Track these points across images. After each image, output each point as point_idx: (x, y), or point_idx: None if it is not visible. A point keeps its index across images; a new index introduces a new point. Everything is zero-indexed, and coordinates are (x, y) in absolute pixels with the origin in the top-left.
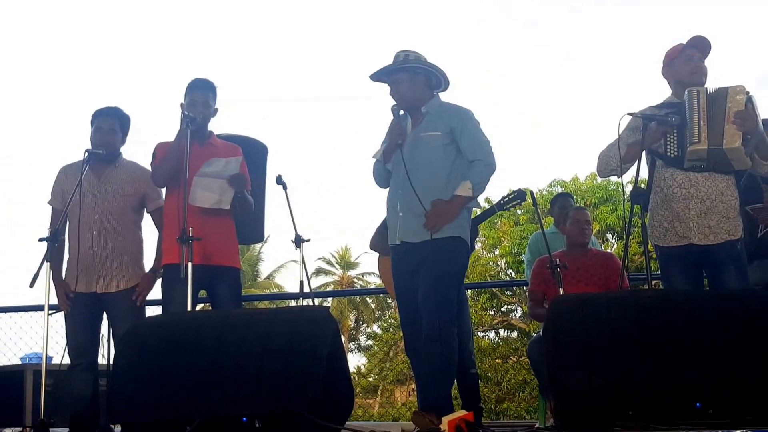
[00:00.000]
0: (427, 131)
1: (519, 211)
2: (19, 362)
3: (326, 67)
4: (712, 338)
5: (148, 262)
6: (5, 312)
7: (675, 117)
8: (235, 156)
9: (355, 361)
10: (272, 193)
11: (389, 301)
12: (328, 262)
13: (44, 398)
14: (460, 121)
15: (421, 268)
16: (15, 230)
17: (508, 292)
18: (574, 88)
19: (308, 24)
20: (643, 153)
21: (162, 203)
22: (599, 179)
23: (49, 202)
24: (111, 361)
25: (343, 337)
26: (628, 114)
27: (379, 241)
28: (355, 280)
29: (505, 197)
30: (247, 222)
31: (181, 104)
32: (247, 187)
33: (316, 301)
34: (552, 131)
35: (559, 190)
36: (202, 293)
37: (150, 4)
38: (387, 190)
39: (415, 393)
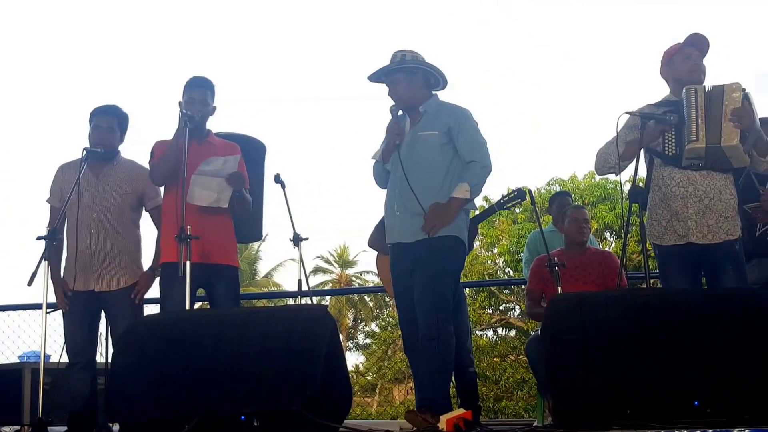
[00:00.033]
0: (424, 130)
1: (517, 210)
2: (18, 361)
3: (326, 67)
4: (710, 337)
5: (147, 260)
6: (3, 310)
7: (673, 116)
8: (233, 154)
9: (354, 359)
10: (270, 191)
11: (387, 299)
12: (327, 261)
13: (42, 397)
14: (458, 120)
15: (418, 268)
16: (13, 229)
17: (506, 291)
18: (574, 88)
19: (308, 24)
20: (642, 151)
21: (160, 201)
22: (597, 178)
23: (47, 201)
24: (109, 360)
25: (341, 336)
26: (627, 113)
27: (377, 239)
28: (354, 278)
29: (505, 197)
30: (245, 220)
31: (179, 102)
32: (245, 185)
33: (315, 300)
34: (551, 131)
35: (558, 189)
36: (201, 292)
37: (149, 4)
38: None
39: (414, 391)
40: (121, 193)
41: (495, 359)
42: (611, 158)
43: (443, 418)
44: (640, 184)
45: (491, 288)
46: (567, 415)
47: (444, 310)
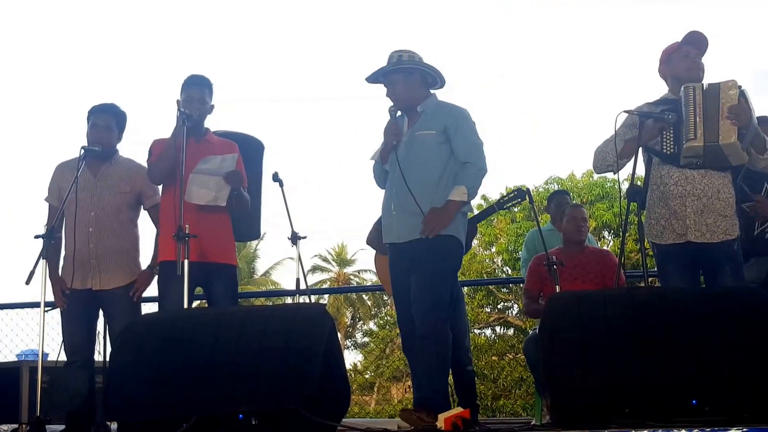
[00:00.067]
0: (422, 130)
1: (516, 209)
2: (16, 359)
3: (327, 67)
4: (708, 336)
5: (145, 259)
6: (1, 309)
7: (671, 114)
8: (231, 153)
9: (352, 358)
10: (269, 190)
11: (385, 298)
12: (325, 259)
13: (40, 395)
14: (455, 120)
15: (415, 267)
16: (13, 228)
17: (504, 290)
18: (574, 88)
19: (308, 24)
20: (640, 150)
21: (159, 200)
22: (596, 176)
23: (46, 199)
24: (107, 358)
25: (339, 334)
26: (625, 111)
27: (375, 238)
28: (352, 277)
29: (505, 197)
30: (243, 219)
31: (177, 101)
32: (243, 184)
33: (313, 298)
34: (551, 130)
35: (556, 188)
36: (199, 290)
37: (149, 3)
38: None
39: (412, 390)
40: (119, 191)
41: (493, 358)
42: (609, 157)
43: (441, 416)
44: (639, 183)
45: (489, 286)
46: (565, 414)
47: (441, 309)
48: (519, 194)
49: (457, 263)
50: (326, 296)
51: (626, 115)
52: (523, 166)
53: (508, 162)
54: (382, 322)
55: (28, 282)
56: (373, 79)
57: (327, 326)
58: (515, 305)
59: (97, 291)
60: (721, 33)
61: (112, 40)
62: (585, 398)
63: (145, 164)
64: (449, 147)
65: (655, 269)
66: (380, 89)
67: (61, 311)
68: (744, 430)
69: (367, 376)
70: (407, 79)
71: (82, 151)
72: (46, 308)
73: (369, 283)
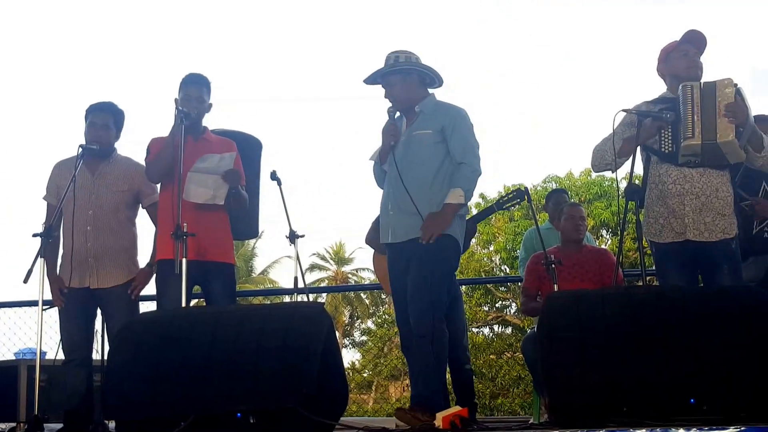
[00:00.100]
0: (419, 130)
1: (514, 208)
2: (13, 358)
3: (327, 67)
4: (706, 335)
5: (143, 257)
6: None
7: (670, 113)
8: (229, 151)
9: (350, 356)
10: (267, 188)
11: (383, 296)
12: (323, 258)
13: (38, 394)
14: (453, 119)
15: (411, 266)
16: (13, 228)
17: (502, 288)
18: (574, 88)
19: (309, 24)
20: (638, 149)
21: (157, 198)
22: (594, 175)
23: (44, 198)
24: (105, 357)
25: (337, 333)
26: (623, 110)
27: (374, 237)
28: (350, 275)
29: (505, 197)
30: (241, 218)
31: (175, 99)
32: (241, 182)
33: (311, 297)
34: (549, 129)
35: (554, 186)
36: (196, 289)
37: (148, 2)
38: None
39: (410, 389)
40: (117, 190)
41: (491, 356)
42: (608, 155)
43: (439, 415)
44: (637, 182)
45: (487, 285)
46: (563, 413)
47: (437, 308)
48: (519, 194)
49: (454, 263)
50: (324, 295)
51: (624, 114)
52: (521, 165)
53: (507, 161)
54: (380, 320)
55: (26, 280)
56: (371, 80)
57: (325, 325)
58: (513, 304)
59: (95, 289)
60: (720, 33)
61: (111, 39)
62: (583, 397)
63: (143, 163)
64: (445, 147)
65: (654, 268)
66: (379, 90)
67: (59, 310)
68: (742, 429)
69: (365, 375)
70: (405, 80)
71: (80, 149)
72: (44, 307)
73: (367, 282)
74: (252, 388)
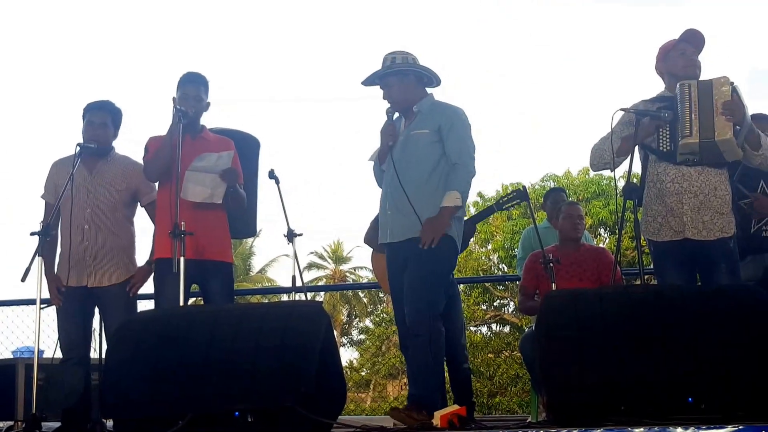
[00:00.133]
0: (416, 129)
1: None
2: (11, 356)
3: (327, 67)
4: (704, 334)
5: (141, 256)
6: None
7: (668, 112)
8: (227, 150)
9: (348, 355)
10: (265, 187)
11: (381, 295)
12: (321, 257)
13: (36, 392)
14: (449, 119)
15: (408, 266)
16: (12, 228)
17: (500, 287)
18: (572, 88)
19: (309, 24)
20: (637, 148)
21: (156, 197)
22: (592, 174)
23: (42, 197)
24: (103, 356)
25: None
26: (621, 109)
27: (373, 237)
28: (348, 274)
29: (504, 197)
30: (239, 216)
31: (173, 98)
32: (239, 181)
33: (309, 296)
34: (548, 128)
35: (552, 185)
36: (194, 287)
37: (147, 2)
38: None
39: (407, 388)
40: (115, 189)
41: (489, 355)
42: (606, 154)
43: (437, 414)
44: (635, 180)
45: (485, 284)
46: (562, 412)
47: (434, 308)
48: (519, 195)
49: (451, 263)
50: (322, 293)
51: (623, 113)
52: (519, 164)
53: (505, 160)
54: (378, 319)
55: (23, 279)
56: (369, 82)
57: (323, 324)
58: (511, 303)
59: (92, 288)
60: (719, 33)
61: (110, 38)
62: (581, 396)
63: (141, 162)
64: (442, 146)
65: (652, 267)
66: (379, 90)
67: (56, 308)
68: (740, 427)
69: (363, 374)
70: (402, 81)
71: (78, 148)
72: (42, 305)
73: (365, 281)
74: (250, 387)
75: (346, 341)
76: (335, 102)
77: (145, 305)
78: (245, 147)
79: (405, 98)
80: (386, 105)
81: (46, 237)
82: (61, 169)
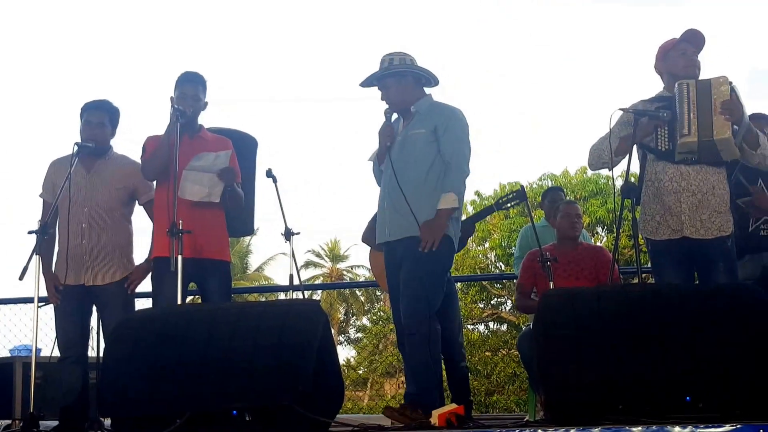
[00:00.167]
0: (414, 129)
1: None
2: (9, 355)
3: (328, 67)
4: (702, 332)
5: (138, 255)
6: None
7: (666, 112)
8: (225, 149)
9: (345, 353)
10: (262, 186)
11: (379, 293)
12: (318, 255)
13: (34, 391)
14: (446, 119)
15: (404, 264)
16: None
17: (497, 285)
18: (572, 87)
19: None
20: (635, 147)
21: (153, 195)
22: (589, 173)
23: (40, 195)
24: (101, 354)
25: (332, 330)
26: (620, 109)
27: (370, 235)
28: (345, 272)
29: (504, 197)
30: (237, 215)
31: (171, 98)
32: (237, 180)
33: (306, 294)
34: (547, 127)
35: (550, 184)
36: (192, 286)
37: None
38: None
39: (405, 386)
40: (113, 188)
41: (486, 353)
42: (605, 154)
43: (435, 413)
44: (632, 179)
45: (483, 282)
46: (559, 410)
47: (429, 306)
48: (518, 195)
49: (448, 262)
50: (319, 292)
51: (621, 112)
52: (517, 163)
53: (503, 159)
54: (375, 317)
55: (21, 277)
56: (367, 83)
57: (321, 322)
58: (509, 301)
59: (90, 287)
60: (719, 32)
61: (108, 37)
62: (579, 395)
63: (139, 161)
64: (438, 146)
65: (649, 265)
66: (378, 91)
67: (54, 307)
68: (737, 426)
69: (360, 372)
70: (399, 82)
71: (76, 147)
72: (40, 304)
73: (362, 279)
74: (248, 386)
75: (343, 339)
76: (335, 102)
77: (142, 304)
78: (243, 146)
79: (403, 99)
80: (385, 106)
81: (43, 236)
82: (59, 168)
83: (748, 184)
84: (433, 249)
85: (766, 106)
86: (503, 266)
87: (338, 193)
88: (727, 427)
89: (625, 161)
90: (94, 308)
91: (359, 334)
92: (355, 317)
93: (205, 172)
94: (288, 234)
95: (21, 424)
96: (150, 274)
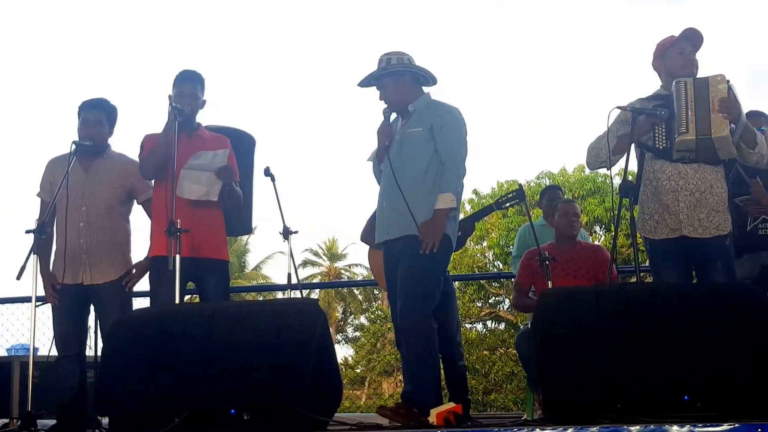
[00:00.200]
0: (411, 128)
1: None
2: (6, 354)
3: (328, 67)
4: (700, 332)
5: (136, 253)
6: None
7: (664, 110)
8: (223, 148)
9: (343, 352)
10: (260, 185)
11: (377, 292)
12: (315, 254)
13: (32, 390)
14: (442, 118)
15: (401, 263)
16: (5, 223)
17: (495, 284)
18: (570, 86)
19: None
20: (633, 146)
21: (152, 194)
22: (587, 171)
23: (37, 195)
24: (98, 353)
25: (330, 329)
26: (617, 107)
27: (369, 234)
28: (343, 271)
29: (504, 197)
30: (235, 214)
31: (169, 96)
32: (235, 178)
33: (304, 293)
34: (546, 127)
35: (548, 182)
36: (190, 285)
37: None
38: None
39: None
40: (111, 186)
41: (484, 352)
42: (603, 152)
43: (433, 411)
44: (630, 178)
45: (481, 281)
46: (557, 409)
47: (425, 304)
48: (517, 194)
49: (445, 261)
50: (317, 290)
51: (619, 111)
52: (514, 161)
53: (501, 157)
54: (373, 316)
55: (19, 277)
56: (365, 83)
57: (319, 321)
58: (506, 300)
59: (88, 286)
60: (718, 31)
61: (106, 36)
62: (577, 394)
63: (137, 159)
64: (434, 145)
65: (647, 264)
66: (377, 91)
67: (52, 306)
68: (736, 425)
69: (358, 371)
70: (397, 82)
71: (73, 146)
72: (37, 303)
73: (360, 278)
74: (246, 385)
75: (341, 338)
76: (334, 101)
77: (140, 303)
78: (241, 145)
79: (401, 98)
80: (384, 105)
81: (41, 235)
82: (56, 167)
83: (748, 176)
84: (434, 250)
85: (765, 105)
86: (501, 265)
87: (337, 192)
88: (726, 427)
89: (623, 160)
90: (92, 307)
91: (357, 333)
92: (353, 316)
93: (203, 170)
94: (286, 233)
95: (19, 423)
96: (148, 272)
